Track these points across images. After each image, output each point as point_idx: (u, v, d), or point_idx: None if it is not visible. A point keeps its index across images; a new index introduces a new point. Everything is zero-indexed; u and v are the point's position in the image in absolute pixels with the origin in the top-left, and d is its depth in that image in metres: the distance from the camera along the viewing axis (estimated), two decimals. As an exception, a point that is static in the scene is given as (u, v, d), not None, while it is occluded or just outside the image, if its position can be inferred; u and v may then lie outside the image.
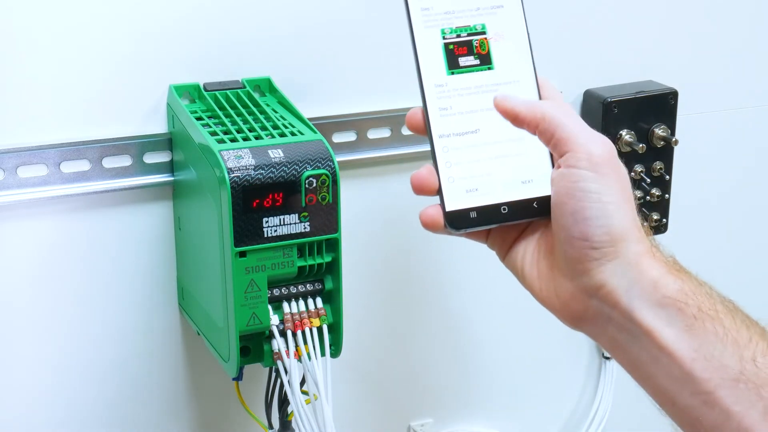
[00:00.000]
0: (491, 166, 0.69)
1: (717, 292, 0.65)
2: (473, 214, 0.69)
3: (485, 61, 0.70)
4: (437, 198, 0.69)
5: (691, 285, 0.64)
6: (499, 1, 0.70)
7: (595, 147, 0.65)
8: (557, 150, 0.66)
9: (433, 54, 0.69)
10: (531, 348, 1.19)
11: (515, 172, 0.69)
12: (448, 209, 0.68)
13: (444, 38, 0.69)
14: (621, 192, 0.65)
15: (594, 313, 0.66)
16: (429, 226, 0.69)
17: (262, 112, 0.93)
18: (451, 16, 0.70)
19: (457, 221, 0.68)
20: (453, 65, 0.69)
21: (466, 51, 0.70)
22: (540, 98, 0.70)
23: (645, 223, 0.67)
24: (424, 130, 0.70)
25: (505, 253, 0.71)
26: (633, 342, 0.64)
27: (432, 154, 0.69)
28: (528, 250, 0.70)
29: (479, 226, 0.69)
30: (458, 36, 0.70)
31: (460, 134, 0.69)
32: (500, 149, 0.69)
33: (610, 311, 0.65)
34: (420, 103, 0.70)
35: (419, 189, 0.69)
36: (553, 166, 0.69)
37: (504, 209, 0.69)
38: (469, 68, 0.70)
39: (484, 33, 0.70)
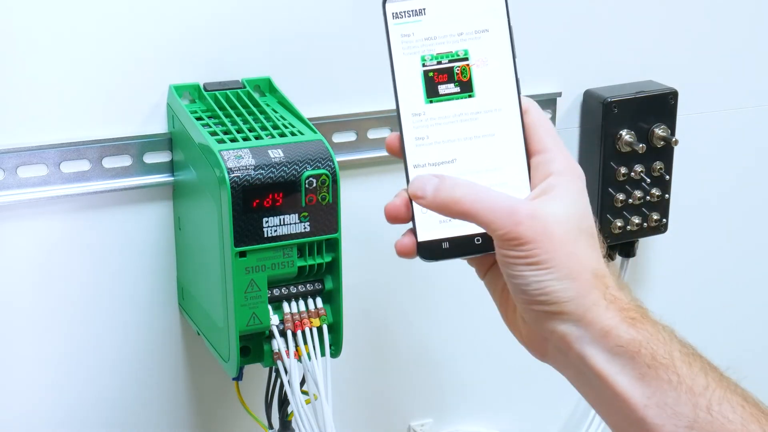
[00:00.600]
0: None
1: (677, 337, 0.64)
2: (445, 245, 0.68)
3: (466, 88, 0.68)
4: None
5: (646, 333, 0.63)
6: (484, 24, 0.68)
7: (516, 229, 0.63)
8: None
9: (412, 82, 0.67)
10: (531, 348, 1.19)
11: None
12: (420, 240, 0.68)
13: (424, 66, 0.67)
14: (560, 258, 0.63)
15: (553, 353, 0.67)
16: (402, 254, 0.68)
17: (262, 112, 0.93)
18: (433, 42, 0.68)
19: (429, 252, 0.68)
20: (432, 93, 0.68)
21: (447, 78, 0.68)
22: (523, 125, 0.68)
23: (607, 259, 0.66)
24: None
25: (482, 274, 0.71)
26: (589, 384, 0.65)
27: (407, 183, 0.67)
28: (500, 281, 0.69)
29: (452, 257, 0.68)
30: (439, 63, 0.68)
31: (435, 164, 0.68)
32: (477, 179, 0.67)
33: (564, 354, 0.65)
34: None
35: (393, 219, 0.68)
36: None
37: (477, 240, 0.68)
38: (449, 96, 0.68)
39: (466, 59, 0.68)
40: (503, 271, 0.65)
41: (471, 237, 0.68)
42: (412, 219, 0.68)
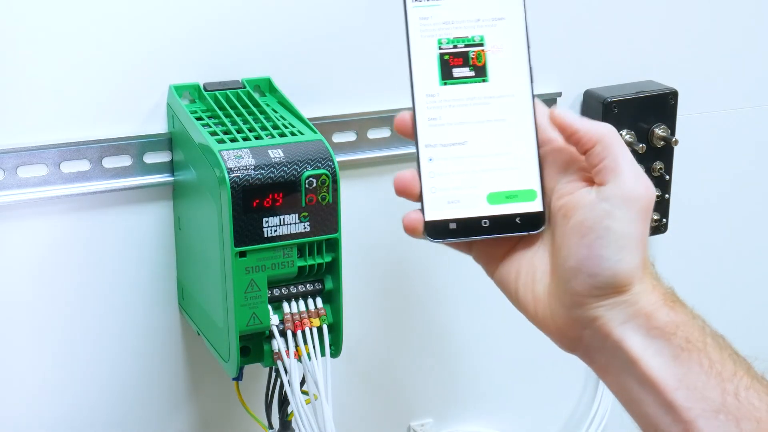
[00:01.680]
0: (476, 179, 0.69)
1: (709, 326, 0.66)
2: (453, 225, 0.68)
3: (480, 73, 0.69)
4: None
5: (683, 317, 0.65)
6: (500, 12, 0.69)
7: (637, 189, 0.65)
8: (599, 176, 0.66)
9: (428, 63, 0.69)
10: (531, 348, 1.19)
11: (500, 186, 0.69)
12: (427, 218, 0.68)
13: (440, 48, 0.69)
14: (640, 236, 0.65)
15: (587, 341, 0.67)
16: (410, 231, 0.69)
17: (262, 112, 0.93)
18: (450, 26, 0.69)
19: (436, 231, 0.68)
20: (446, 76, 0.69)
21: (462, 62, 0.69)
22: (534, 113, 0.69)
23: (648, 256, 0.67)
24: (412, 135, 0.69)
25: (493, 269, 0.71)
26: (621, 369, 0.65)
27: (417, 162, 0.69)
28: (521, 270, 0.69)
29: (458, 238, 0.69)
30: (455, 47, 0.69)
31: (446, 145, 0.69)
32: (487, 162, 0.69)
33: (602, 341, 0.66)
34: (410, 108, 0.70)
35: (401, 192, 0.69)
36: (542, 182, 0.69)
37: (485, 222, 0.68)
38: (463, 80, 0.69)
39: (482, 45, 0.69)
40: (587, 234, 0.64)
41: (478, 219, 0.68)
42: (421, 197, 0.68)
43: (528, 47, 0.69)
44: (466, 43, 0.69)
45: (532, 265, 0.69)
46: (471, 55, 0.69)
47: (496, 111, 0.69)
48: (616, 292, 0.65)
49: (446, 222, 0.68)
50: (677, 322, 0.64)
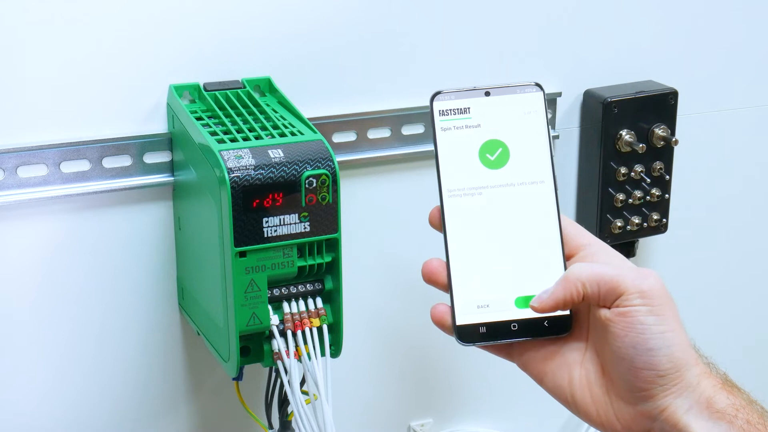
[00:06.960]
0: (504, 284, 0.71)
1: (767, 410, 0.68)
2: (482, 329, 0.71)
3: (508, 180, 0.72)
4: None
5: (741, 401, 0.67)
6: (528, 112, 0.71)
7: (644, 283, 0.67)
8: (608, 299, 0.67)
9: (457, 171, 0.71)
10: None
11: (527, 291, 0.71)
12: (458, 323, 0.71)
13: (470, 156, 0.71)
14: (674, 318, 0.67)
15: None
16: (438, 325, 0.72)
17: (262, 112, 0.94)
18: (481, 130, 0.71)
19: (467, 335, 0.71)
20: (476, 183, 0.71)
21: (491, 168, 0.71)
22: (559, 220, 0.71)
23: (695, 345, 0.69)
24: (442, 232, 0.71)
25: (542, 377, 0.73)
26: None
27: (447, 266, 0.71)
28: (574, 375, 0.71)
29: (488, 341, 0.71)
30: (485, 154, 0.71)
31: (476, 252, 0.71)
32: (515, 268, 0.71)
33: (669, 430, 0.67)
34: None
35: (428, 280, 0.72)
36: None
37: (514, 326, 0.71)
38: (493, 187, 0.71)
39: (507, 147, 0.71)
40: (627, 335, 0.66)
41: (507, 323, 0.71)
42: (451, 301, 0.71)
43: (550, 143, 0.71)
44: (496, 147, 0.71)
45: (584, 368, 0.70)
46: (499, 159, 0.71)
47: (524, 219, 0.71)
48: (678, 375, 0.66)
49: (476, 326, 0.71)
50: (737, 406, 0.66)
